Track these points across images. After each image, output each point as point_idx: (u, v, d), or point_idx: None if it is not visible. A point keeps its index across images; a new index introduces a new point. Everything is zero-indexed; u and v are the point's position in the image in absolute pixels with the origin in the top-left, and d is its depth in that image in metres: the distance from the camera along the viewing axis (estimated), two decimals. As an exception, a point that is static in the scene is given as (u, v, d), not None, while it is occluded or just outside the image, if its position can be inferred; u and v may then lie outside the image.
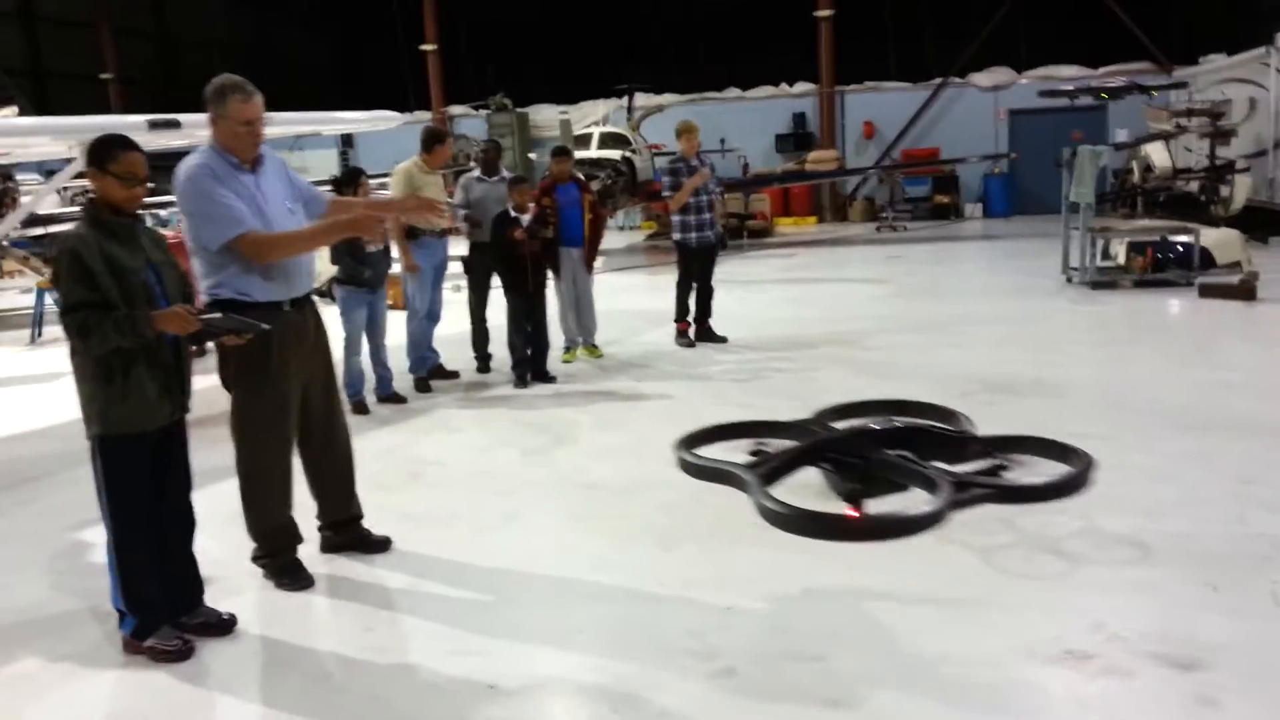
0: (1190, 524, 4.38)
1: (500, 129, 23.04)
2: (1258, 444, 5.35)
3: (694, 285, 8.89)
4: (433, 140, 7.84)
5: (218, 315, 3.62)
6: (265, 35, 27.24)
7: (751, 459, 5.27)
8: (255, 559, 4.35)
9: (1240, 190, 13.02)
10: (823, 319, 10.07)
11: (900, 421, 5.58)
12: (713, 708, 3.19)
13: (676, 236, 8.82)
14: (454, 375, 8.16)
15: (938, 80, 21.37)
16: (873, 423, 5.59)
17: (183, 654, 3.68)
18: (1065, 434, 5.39)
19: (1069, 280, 11.52)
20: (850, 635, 3.59)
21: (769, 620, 3.75)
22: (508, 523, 4.89)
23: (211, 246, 3.94)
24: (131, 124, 7.34)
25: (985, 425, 5.68)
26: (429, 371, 7.96)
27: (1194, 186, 13.91)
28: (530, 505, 5.12)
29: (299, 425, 4.33)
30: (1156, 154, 13.51)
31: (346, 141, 24.58)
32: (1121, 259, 11.69)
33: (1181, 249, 11.28)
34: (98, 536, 4.80)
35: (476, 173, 8.38)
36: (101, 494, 3.61)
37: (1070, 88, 13.97)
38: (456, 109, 24.85)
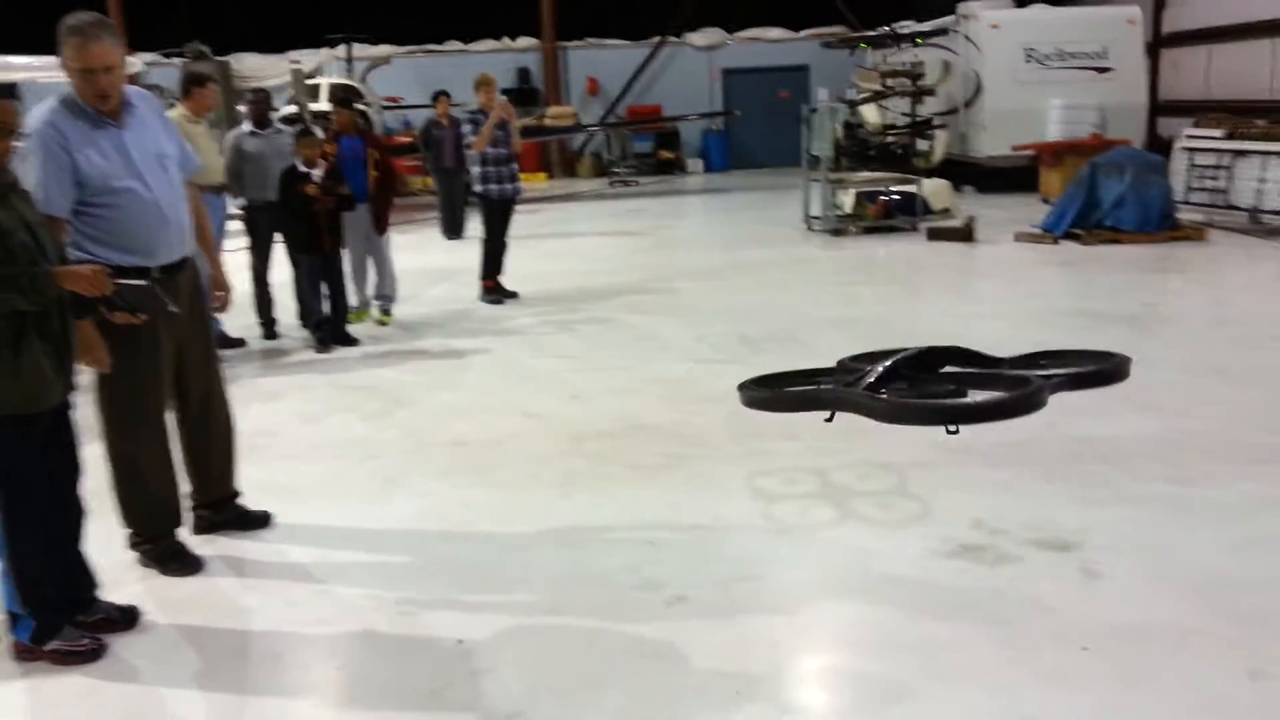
0: (1007, 433, 5.03)
1: (200, 79, 21.27)
2: (1036, 362, 6.21)
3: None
4: (190, 83, 7.24)
5: (140, 282, 3.27)
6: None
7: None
8: (132, 545, 4.01)
9: (939, 144, 14.62)
10: (600, 271, 10.34)
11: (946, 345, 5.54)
12: (682, 630, 3.37)
13: (479, 189, 8.73)
14: (240, 343, 7.68)
15: (656, 39, 22.12)
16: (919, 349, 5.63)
17: (95, 653, 3.37)
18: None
19: (809, 228, 12.50)
20: (778, 555, 3.90)
21: (696, 550, 3.97)
22: (389, 487, 4.78)
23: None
24: None
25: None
26: (216, 340, 7.43)
27: (890, 140, 15.43)
28: (401, 468, 5.01)
29: (178, 398, 4.02)
30: (869, 112, 14.84)
31: (7, 92, 21.73)
32: (848, 208, 12.80)
33: (900, 198, 12.57)
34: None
35: (247, 127, 7.84)
36: (-11, 487, 3.21)
37: (851, 36, 14.99)
38: (145, 56, 22.56)
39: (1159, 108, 17.25)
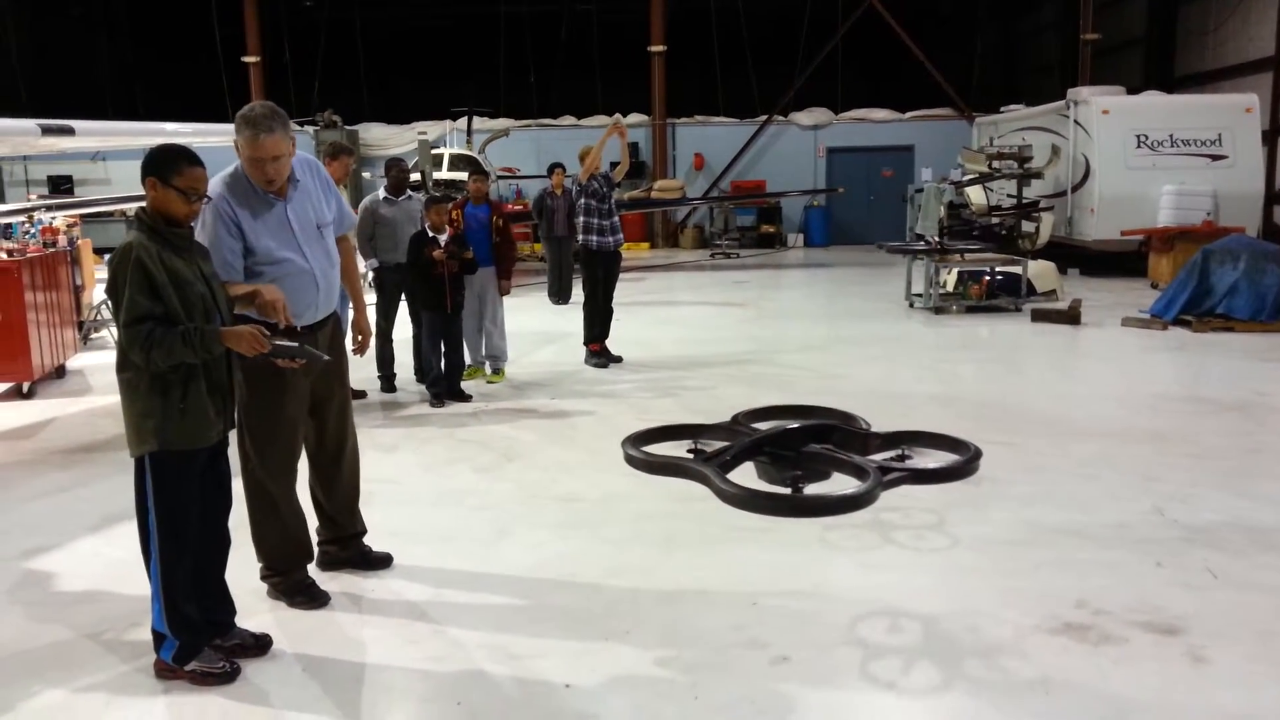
0: (1118, 515, 5.04)
1: (328, 147, 22.46)
2: (1146, 447, 6.17)
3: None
4: (331, 154, 7.74)
5: (290, 344, 3.58)
6: (54, 37, 25.33)
7: (692, 455, 5.55)
8: (264, 577, 4.28)
9: (1045, 227, 14.52)
10: (706, 340, 10.54)
11: (817, 420, 5.96)
12: (787, 690, 3.46)
13: (579, 238, 9.08)
14: (361, 395, 8.04)
15: (763, 117, 22.59)
16: (791, 422, 5.95)
17: (229, 675, 3.61)
18: (979, 442, 5.99)
19: (911, 305, 12.53)
20: (880, 622, 3.96)
21: (799, 613, 4.05)
22: (501, 536, 4.99)
23: None
24: (24, 128, 6.92)
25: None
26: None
27: (994, 221, 15.39)
28: (514, 519, 5.22)
29: (314, 441, 4.31)
30: (974, 193, 14.85)
31: (198, 161, 23.31)
32: (950, 287, 12.79)
33: (1003, 278, 12.53)
34: (53, 564, 4.66)
35: (382, 193, 8.32)
36: (149, 513, 3.50)
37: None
38: (278, 124, 23.95)
39: (1275, 196, 16.87)
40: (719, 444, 5.76)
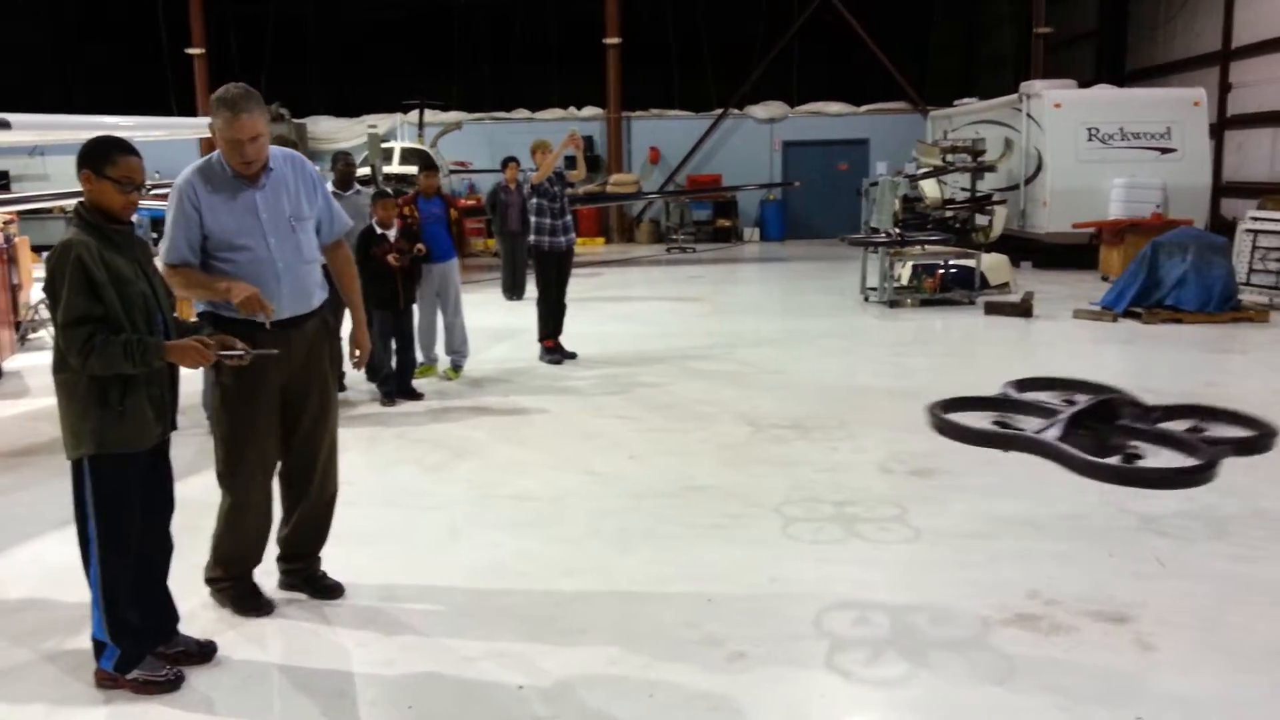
0: (1073, 506, 5.09)
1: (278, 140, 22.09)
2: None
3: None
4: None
5: (238, 352, 3.48)
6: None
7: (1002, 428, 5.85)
8: (209, 581, 4.16)
9: (998, 220, 14.66)
10: (660, 335, 10.51)
11: (1109, 395, 6.23)
12: (743, 685, 3.45)
13: (531, 239, 9.00)
14: (311, 394, 7.91)
15: (718, 110, 22.59)
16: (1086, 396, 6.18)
17: (173, 684, 3.52)
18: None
19: (866, 299, 12.60)
20: (836, 617, 3.95)
21: (755, 608, 4.04)
22: (453, 537, 4.92)
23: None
24: (-42, 124, 6.70)
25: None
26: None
27: (948, 215, 15.52)
28: (465, 519, 5.15)
29: (289, 445, 4.12)
30: (928, 186, 14.94)
31: (135, 151, 22.78)
32: (905, 280, 12.87)
33: (957, 271, 12.63)
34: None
35: (330, 187, 8.17)
36: (88, 518, 3.39)
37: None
38: (225, 117, 23.51)
39: (1223, 189, 17.18)
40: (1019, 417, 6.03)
